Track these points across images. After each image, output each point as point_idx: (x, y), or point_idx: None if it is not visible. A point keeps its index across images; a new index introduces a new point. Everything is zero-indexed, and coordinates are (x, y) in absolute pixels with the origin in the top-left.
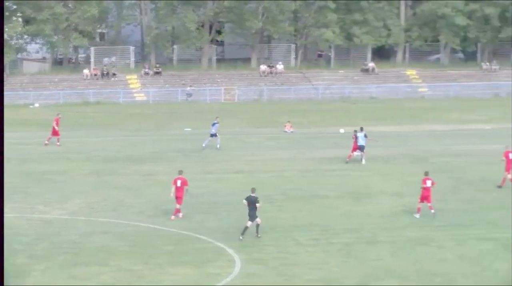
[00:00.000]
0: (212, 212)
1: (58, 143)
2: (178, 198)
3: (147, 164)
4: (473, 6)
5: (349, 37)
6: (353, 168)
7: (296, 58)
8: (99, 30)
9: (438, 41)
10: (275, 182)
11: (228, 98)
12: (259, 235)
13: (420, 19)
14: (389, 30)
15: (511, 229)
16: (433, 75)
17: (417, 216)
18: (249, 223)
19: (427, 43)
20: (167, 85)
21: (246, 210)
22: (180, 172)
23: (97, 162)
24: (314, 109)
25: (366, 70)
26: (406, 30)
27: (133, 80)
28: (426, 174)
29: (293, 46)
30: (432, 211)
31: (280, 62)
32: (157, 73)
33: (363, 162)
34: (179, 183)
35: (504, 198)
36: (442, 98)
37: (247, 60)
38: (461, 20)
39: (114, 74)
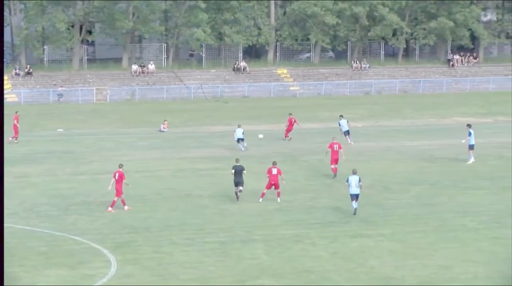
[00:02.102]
0: (86, 213)
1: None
2: (116, 191)
3: (19, 166)
4: (342, 5)
5: (220, 36)
6: (226, 167)
7: (167, 57)
8: None
9: (308, 40)
10: (148, 181)
11: (100, 99)
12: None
13: (290, 18)
14: (260, 29)
15: (383, 226)
16: (304, 74)
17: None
18: (237, 188)
19: (298, 42)
20: (38, 86)
21: (119, 210)
22: (120, 166)
23: None
24: (186, 108)
25: (237, 69)
26: (277, 29)
27: (4, 81)
28: (274, 163)
29: (164, 45)
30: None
31: (152, 62)
32: (28, 73)
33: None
34: (117, 176)
35: (376, 194)
36: (314, 97)
37: (118, 60)
38: (330, 19)
39: None
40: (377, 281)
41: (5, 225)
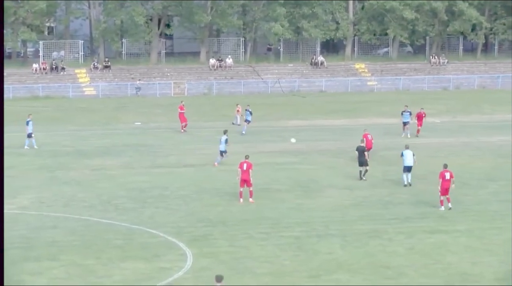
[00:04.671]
0: (162, 206)
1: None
2: (244, 181)
3: (96, 158)
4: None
5: (298, 30)
6: (302, 162)
7: (245, 52)
8: (47, 24)
9: (386, 34)
10: (225, 175)
11: (177, 92)
12: (364, 178)
13: (368, 13)
14: (338, 23)
15: (460, 222)
16: (382, 69)
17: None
18: (362, 168)
19: (376, 36)
20: (116, 79)
21: (196, 204)
22: (247, 157)
23: (47, 156)
24: (263, 103)
25: (315, 64)
26: (355, 24)
27: (82, 75)
28: (445, 166)
29: (242, 40)
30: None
31: (229, 56)
32: (106, 67)
33: None
34: (245, 166)
35: (454, 190)
36: (391, 92)
37: (196, 54)
38: (409, 14)
39: (63, 68)
40: (454, 277)
41: (82, 217)
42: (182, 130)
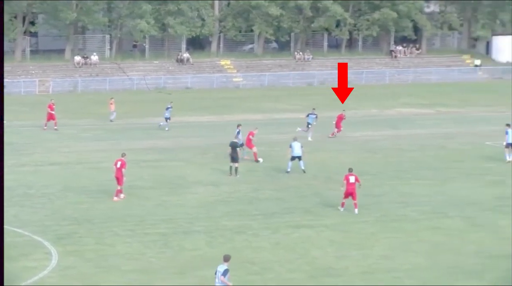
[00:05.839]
0: (27, 204)
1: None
2: (117, 179)
3: None
4: None
5: (163, 27)
6: (169, 159)
7: (111, 49)
8: None
9: (252, 31)
10: (91, 173)
11: (42, 90)
12: (238, 176)
13: (234, 9)
14: (204, 20)
15: (325, 216)
16: (247, 65)
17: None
18: (233, 164)
19: (241, 33)
20: None
21: (61, 202)
22: (123, 154)
23: None
24: (129, 100)
25: (181, 61)
26: (221, 21)
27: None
28: (350, 170)
29: (107, 37)
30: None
31: (95, 53)
32: None
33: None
34: (118, 164)
35: (319, 185)
36: (257, 88)
37: (61, 51)
38: (274, 10)
39: None
40: (319, 272)
41: None
42: (45, 128)
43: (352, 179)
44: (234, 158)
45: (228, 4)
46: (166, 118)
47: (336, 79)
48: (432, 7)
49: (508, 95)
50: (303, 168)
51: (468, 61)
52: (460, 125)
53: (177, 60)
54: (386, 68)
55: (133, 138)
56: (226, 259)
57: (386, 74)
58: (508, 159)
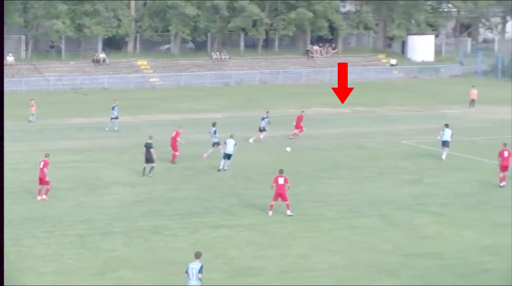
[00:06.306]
0: None
1: None
2: (40, 179)
3: None
4: None
5: (79, 28)
6: (86, 159)
7: (26, 49)
8: None
9: (168, 31)
10: (10, 175)
11: None
12: (151, 174)
13: (151, 9)
14: (120, 20)
15: (244, 216)
16: (164, 65)
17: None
18: (147, 165)
19: (158, 33)
20: None
21: None
22: (46, 155)
23: None
24: (45, 100)
25: (97, 61)
26: (137, 21)
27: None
28: (281, 171)
29: (23, 37)
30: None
31: (10, 54)
32: None
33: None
34: (41, 164)
35: (237, 185)
36: (174, 88)
37: None
38: (191, 10)
39: None
40: (237, 271)
41: None
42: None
43: (281, 181)
44: (148, 159)
45: (145, 4)
46: (112, 118)
47: (253, 79)
48: (348, 7)
49: (423, 94)
50: (225, 167)
51: (384, 60)
52: (377, 124)
53: (93, 61)
54: (302, 68)
55: (50, 139)
56: (198, 255)
57: (303, 74)
58: (443, 157)
